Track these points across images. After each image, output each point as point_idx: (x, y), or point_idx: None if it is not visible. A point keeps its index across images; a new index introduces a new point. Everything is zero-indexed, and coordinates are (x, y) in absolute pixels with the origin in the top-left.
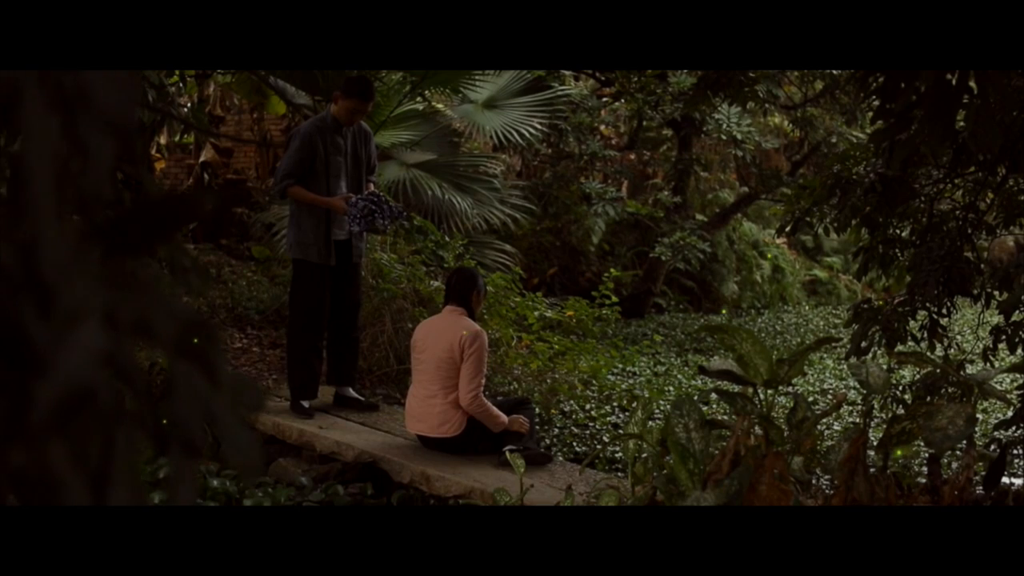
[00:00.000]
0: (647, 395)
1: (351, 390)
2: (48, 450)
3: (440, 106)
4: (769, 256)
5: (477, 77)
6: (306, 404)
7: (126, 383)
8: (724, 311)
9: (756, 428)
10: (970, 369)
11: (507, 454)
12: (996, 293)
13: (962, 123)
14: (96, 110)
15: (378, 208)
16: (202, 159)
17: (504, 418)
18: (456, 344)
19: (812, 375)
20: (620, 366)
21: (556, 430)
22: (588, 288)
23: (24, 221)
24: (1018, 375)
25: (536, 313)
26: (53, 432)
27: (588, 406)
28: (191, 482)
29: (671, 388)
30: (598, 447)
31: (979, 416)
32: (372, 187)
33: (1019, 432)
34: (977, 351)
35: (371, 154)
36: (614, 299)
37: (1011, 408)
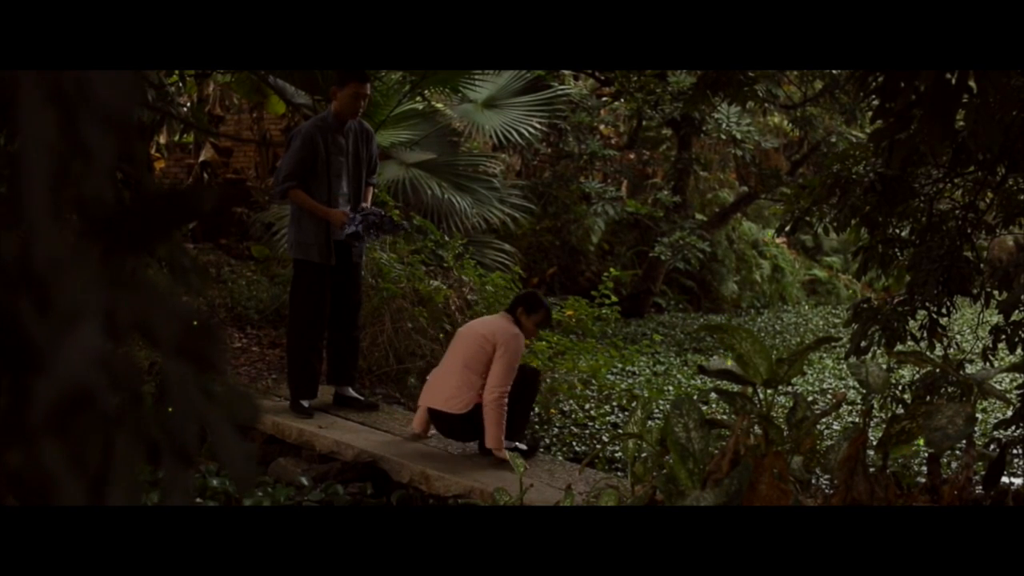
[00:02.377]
0: (647, 395)
1: (351, 389)
2: (45, 451)
3: (440, 105)
4: (769, 255)
5: (477, 77)
6: (306, 404)
7: (122, 386)
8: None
9: (756, 428)
10: (970, 369)
11: (506, 452)
12: (996, 292)
13: (962, 122)
14: (96, 109)
15: (377, 227)
16: (202, 159)
17: (500, 443)
18: (489, 338)
19: (812, 375)
20: (619, 366)
21: (555, 430)
22: (588, 287)
23: (21, 220)
24: (1018, 375)
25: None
26: (51, 432)
27: (587, 406)
28: (185, 490)
29: (670, 388)
30: (598, 447)
31: (979, 416)
32: (372, 191)
33: (1019, 431)
34: (977, 351)
35: (372, 154)
36: (614, 299)
37: (1011, 408)
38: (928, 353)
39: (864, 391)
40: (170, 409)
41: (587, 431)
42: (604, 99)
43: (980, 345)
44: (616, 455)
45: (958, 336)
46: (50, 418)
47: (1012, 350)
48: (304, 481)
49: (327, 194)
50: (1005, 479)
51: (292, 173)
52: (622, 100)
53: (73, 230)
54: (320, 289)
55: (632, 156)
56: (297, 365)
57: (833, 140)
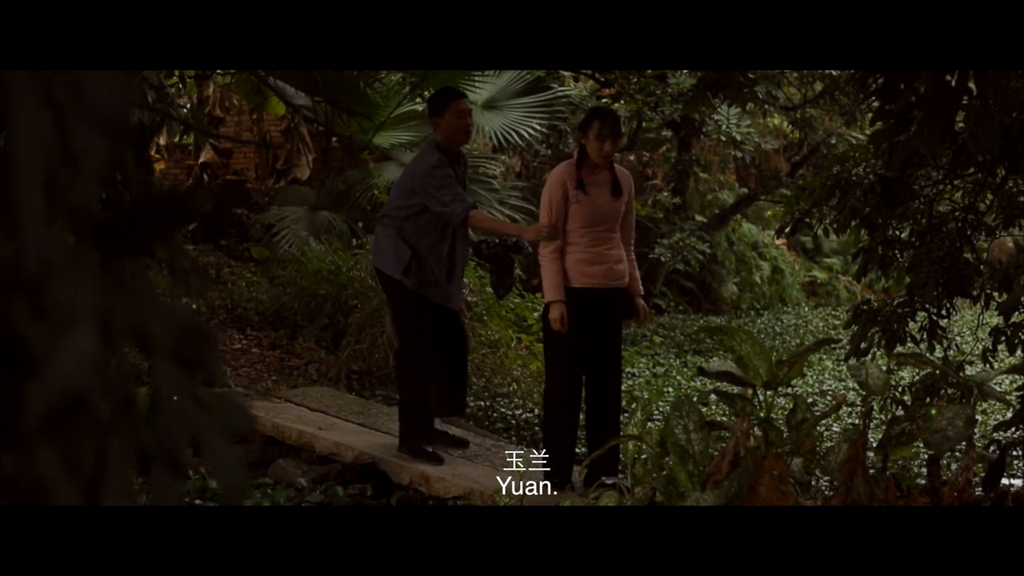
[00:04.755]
0: (646, 396)
1: (440, 422)
2: (39, 455)
3: None
4: (768, 257)
5: (476, 78)
6: (429, 448)
7: (115, 390)
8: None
9: (755, 429)
10: (969, 370)
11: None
12: (995, 294)
13: (961, 124)
14: (89, 112)
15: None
16: (201, 160)
17: (549, 295)
18: None
19: (811, 376)
20: None
21: None
22: None
23: (12, 223)
24: (1017, 376)
25: (536, 314)
26: (45, 437)
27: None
28: (174, 500)
29: (670, 389)
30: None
31: (978, 417)
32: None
33: (1018, 433)
34: (976, 352)
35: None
36: None
37: (1010, 409)
38: (928, 355)
39: (864, 393)
40: (160, 418)
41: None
42: (604, 100)
43: (980, 347)
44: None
45: (958, 338)
46: (44, 423)
47: (1012, 352)
48: (304, 482)
49: (447, 229)
50: (1005, 481)
51: (459, 193)
52: (622, 101)
53: (70, 234)
54: (430, 317)
55: (632, 157)
56: (415, 403)
57: (833, 141)
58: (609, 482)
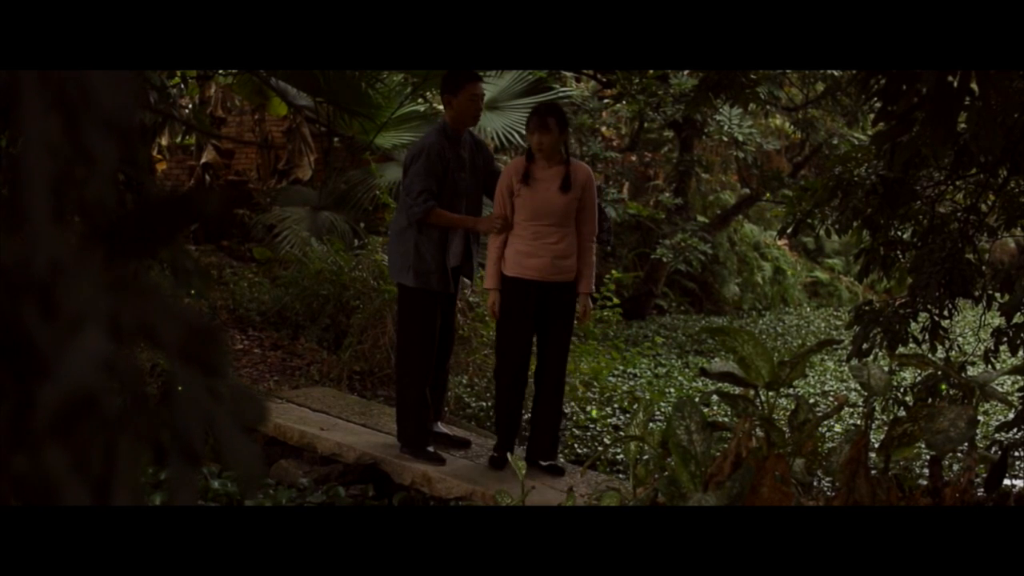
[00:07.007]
0: (648, 397)
1: (440, 424)
2: (50, 456)
3: (442, 107)
4: (770, 257)
5: None
6: (431, 449)
7: (127, 389)
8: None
9: (757, 430)
10: (971, 371)
11: (509, 456)
12: (997, 295)
13: (963, 125)
14: (97, 111)
15: None
16: (203, 160)
17: (488, 281)
18: None
19: (813, 377)
20: (621, 368)
21: None
22: None
23: (22, 224)
24: (1019, 377)
25: None
26: (55, 437)
27: (589, 408)
28: (191, 490)
29: (672, 390)
30: (599, 449)
31: (980, 418)
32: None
33: (1020, 434)
34: (978, 353)
35: (490, 164)
36: (615, 301)
37: (1012, 410)
38: (930, 356)
39: (866, 393)
40: (176, 410)
41: (588, 433)
42: (606, 101)
43: (982, 347)
44: (618, 457)
45: (960, 338)
46: (55, 423)
47: (1014, 352)
48: (305, 483)
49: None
50: (1007, 482)
51: (428, 189)
52: (624, 102)
53: (76, 234)
54: (435, 319)
55: (634, 158)
56: (413, 404)
57: (835, 142)
58: (544, 464)
